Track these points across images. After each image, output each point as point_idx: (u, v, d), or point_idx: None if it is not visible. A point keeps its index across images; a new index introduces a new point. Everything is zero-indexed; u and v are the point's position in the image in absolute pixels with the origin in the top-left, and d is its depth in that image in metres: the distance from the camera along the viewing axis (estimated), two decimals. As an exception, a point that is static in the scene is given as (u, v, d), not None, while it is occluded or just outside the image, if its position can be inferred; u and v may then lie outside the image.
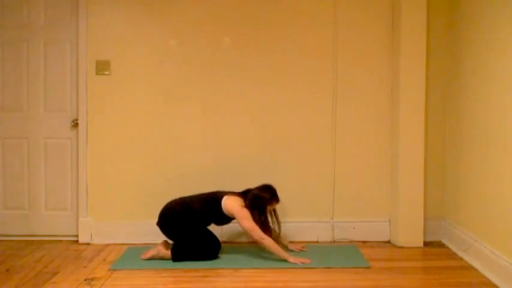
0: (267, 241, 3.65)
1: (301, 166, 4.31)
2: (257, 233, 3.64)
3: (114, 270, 3.57)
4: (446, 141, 4.27)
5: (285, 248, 3.88)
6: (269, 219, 3.83)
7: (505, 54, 3.25)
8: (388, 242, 4.31)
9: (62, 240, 4.31)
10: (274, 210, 3.88)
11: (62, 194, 4.36)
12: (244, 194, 3.81)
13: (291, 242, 4.02)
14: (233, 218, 3.77)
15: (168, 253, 3.73)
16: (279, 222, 3.89)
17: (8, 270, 3.57)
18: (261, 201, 3.75)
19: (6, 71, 4.33)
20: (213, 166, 4.26)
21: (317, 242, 4.29)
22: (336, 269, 3.59)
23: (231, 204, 3.71)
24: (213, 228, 3.87)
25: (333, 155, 4.31)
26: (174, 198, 3.86)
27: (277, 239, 3.87)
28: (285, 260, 3.64)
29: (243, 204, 3.73)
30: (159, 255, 3.75)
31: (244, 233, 3.86)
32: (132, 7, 4.25)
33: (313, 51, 4.27)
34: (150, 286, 3.33)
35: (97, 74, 4.24)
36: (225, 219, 3.79)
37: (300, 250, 3.94)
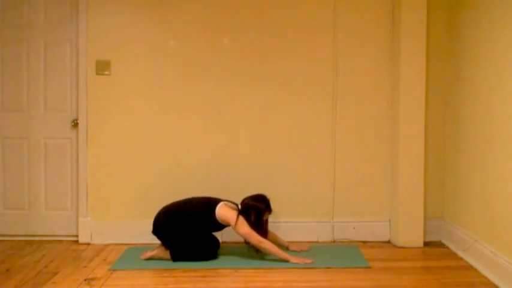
0: (266, 244, 3.65)
1: (301, 166, 4.30)
2: (255, 237, 3.63)
3: (114, 270, 3.57)
4: (446, 141, 4.27)
5: (286, 248, 3.89)
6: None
7: (507, 55, 3.25)
8: (388, 242, 4.31)
9: (62, 240, 4.31)
10: (266, 221, 3.85)
11: (62, 194, 4.36)
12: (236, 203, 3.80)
13: (291, 242, 4.02)
14: (226, 226, 3.76)
15: (167, 253, 3.73)
16: (266, 233, 3.83)
17: (8, 270, 3.57)
18: (257, 210, 3.72)
19: (6, 71, 4.33)
20: (213, 166, 4.26)
21: (317, 242, 4.28)
22: (336, 269, 3.59)
23: (224, 213, 3.69)
24: (213, 228, 3.88)
25: (333, 155, 4.31)
26: (165, 205, 3.84)
27: (275, 241, 3.87)
28: (286, 261, 3.64)
29: (237, 211, 3.72)
30: (159, 255, 3.75)
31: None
32: (132, 7, 4.25)
33: (313, 53, 4.27)
34: (150, 286, 3.33)
35: (97, 74, 4.24)
36: (217, 226, 3.77)
37: (301, 250, 3.94)
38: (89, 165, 4.27)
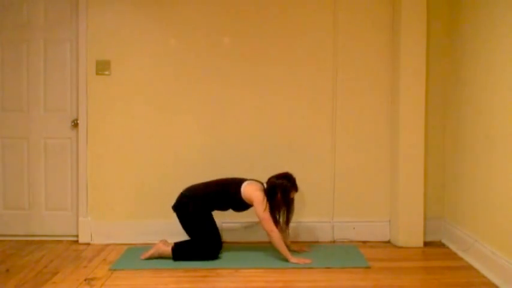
0: (275, 235, 3.67)
1: (301, 166, 4.30)
2: (269, 224, 3.66)
3: (114, 270, 3.57)
4: (446, 141, 4.27)
5: (287, 247, 3.88)
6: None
7: (507, 55, 3.25)
8: (388, 242, 4.31)
9: (62, 240, 4.31)
10: (292, 200, 3.87)
11: (62, 194, 4.36)
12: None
13: (293, 242, 4.01)
14: (250, 206, 3.78)
15: (167, 250, 3.73)
16: (292, 213, 3.86)
17: (8, 270, 3.57)
18: (283, 188, 3.75)
19: (7, 71, 4.33)
20: (213, 167, 4.25)
21: (317, 242, 4.29)
22: (336, 269, 3.59)
23: (250, 191, 3.73)
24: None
25: (333, 155, 4.32)
26: (192, 184, 3.88)
27: (283, 236, 3.87)
28: (286, 259, 3.65)
29: (263, 191, 3.74)
30: (158, 252, 3.75)
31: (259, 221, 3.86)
32: (132, 7, 4.25)
33: (313, 53, 4.27)
34: (151, 286, 3.33)
35: (97, 74, 4.24)
36: (242, 205, 3.80)
37: (302, 250, 3.95)
38: (88, 165, 4.27)
